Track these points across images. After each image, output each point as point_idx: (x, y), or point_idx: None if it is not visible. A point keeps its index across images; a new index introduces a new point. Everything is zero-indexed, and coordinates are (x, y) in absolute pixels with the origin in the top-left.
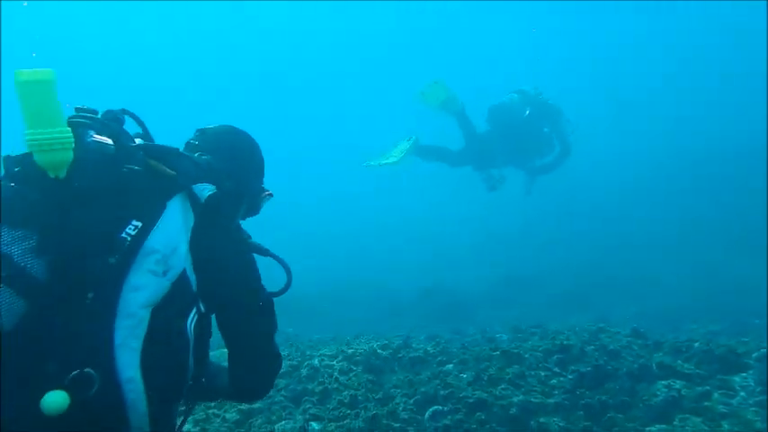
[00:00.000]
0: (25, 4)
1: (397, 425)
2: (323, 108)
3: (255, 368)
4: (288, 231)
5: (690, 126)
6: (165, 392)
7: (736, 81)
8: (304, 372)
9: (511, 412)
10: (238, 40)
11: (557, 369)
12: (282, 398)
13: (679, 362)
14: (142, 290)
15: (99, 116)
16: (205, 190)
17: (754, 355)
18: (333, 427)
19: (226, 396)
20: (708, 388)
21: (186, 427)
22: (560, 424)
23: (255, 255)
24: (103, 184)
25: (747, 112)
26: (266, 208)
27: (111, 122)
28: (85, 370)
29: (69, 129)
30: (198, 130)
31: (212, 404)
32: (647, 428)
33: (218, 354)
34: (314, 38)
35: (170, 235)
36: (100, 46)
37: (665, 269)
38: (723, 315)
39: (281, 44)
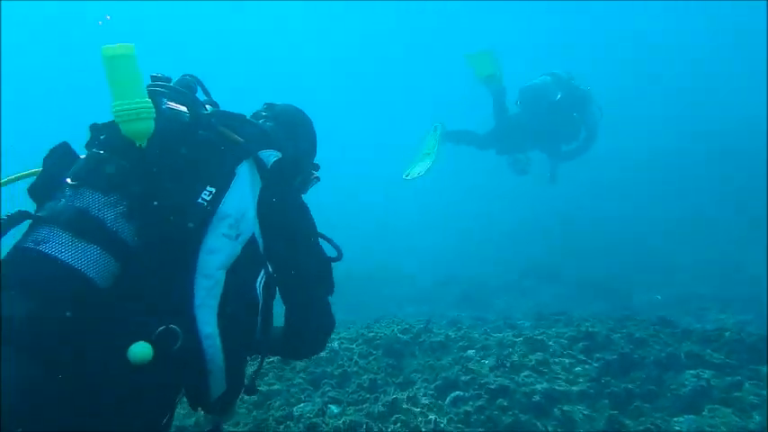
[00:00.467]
0: (101, 23)
1: (417, 410)
2: (346, 100)
3: (310, 326)
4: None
5: (689, 126)
6: (238, 348)
7: (736, 81)
8: (323, 354)
9: (534, 399)
10: (237, 39)
11: (581, 356)
12: (301, 380)
13: (708, 351)
14: (217, 253)
15: (172, 83)
16: (271, 156)
17: None
18: (351, 410)
19: (280, 352)
20: (738, 378)
21: None
22: (585, 412)
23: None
24: (181, 150)
25: (747, 111)
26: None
27: (185, 89)
28: (170, 326)
29: (150, 100)
30: (266, 103)
31: None
32: (675, 418)
33: None
34: (326, 37)
35: (240, 200)
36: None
37: (685, 259)
38: (746, 305)
39: (292, 44)
